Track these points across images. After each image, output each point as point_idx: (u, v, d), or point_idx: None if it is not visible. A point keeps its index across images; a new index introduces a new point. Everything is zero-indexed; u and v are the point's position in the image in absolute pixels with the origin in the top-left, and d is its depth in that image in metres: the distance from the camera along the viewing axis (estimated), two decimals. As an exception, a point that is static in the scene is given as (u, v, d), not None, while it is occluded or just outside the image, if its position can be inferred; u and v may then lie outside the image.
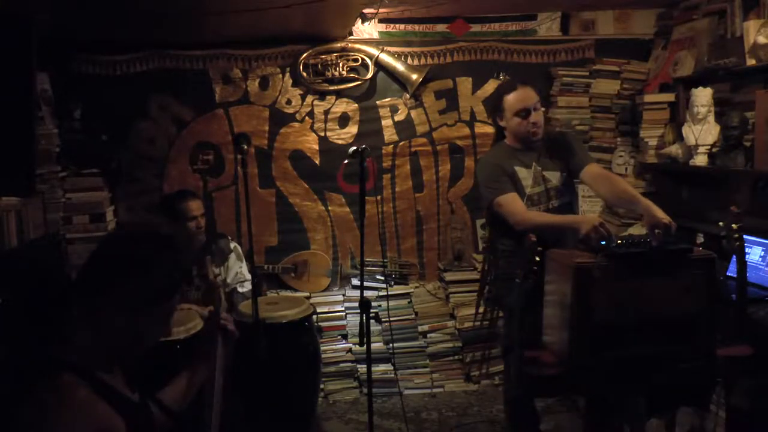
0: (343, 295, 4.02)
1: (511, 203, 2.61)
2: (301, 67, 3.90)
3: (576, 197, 2.85)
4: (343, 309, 3.97)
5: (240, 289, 3.47)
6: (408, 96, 4.01)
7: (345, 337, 3.94)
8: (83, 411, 1.19)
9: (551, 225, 2.53)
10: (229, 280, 3.48)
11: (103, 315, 1.28)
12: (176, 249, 1.38)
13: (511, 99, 2.64)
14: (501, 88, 2.88)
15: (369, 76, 3.94)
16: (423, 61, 3.99)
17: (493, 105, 2.82)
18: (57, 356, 1.25)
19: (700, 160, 3.36)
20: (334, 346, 3.89)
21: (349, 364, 3.87)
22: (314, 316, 3.45)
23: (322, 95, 3.98)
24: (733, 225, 2.19)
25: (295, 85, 3.96)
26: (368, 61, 3.92)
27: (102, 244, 1.39)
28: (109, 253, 1.35)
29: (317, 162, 4.04)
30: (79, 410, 1.19)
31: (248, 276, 3.53)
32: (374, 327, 3.69)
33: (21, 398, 1.18)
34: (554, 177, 2.70)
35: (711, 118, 3.31)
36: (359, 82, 3.95)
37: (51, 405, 1.17)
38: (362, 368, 3.82)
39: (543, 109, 2.74)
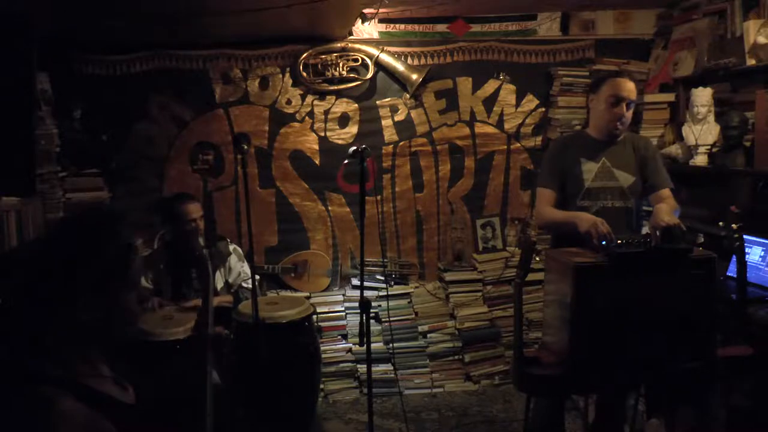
0: (343, 295, 4.01)
1: (541, 197, 2.71)
2: (301, 67, 3.89)
3: (640, 206, 2.75)
4: (343, 309, 3.96)
5: (245, 285, 3.46)
6: (408, 96, 4.00)
7: (345, 337, 3.94)
8: (66, 422, 1.15)
9: (557, 221, 2.59)
10: (230, 281, 3.48)
11: (77, 303, 1.26)
12: (115, 215, 1.37)
13: (612, 83, 2.59)
14: (609, 72, 2.92)
15: (369, 76, 3.93)
16: (423, 61, 3.99)
17: (594, 83, 2.75)
18: (35, 368, 1.20)
19: (700, 160, 3.36)
20: (334, 346, 3.89)
21: (349, 364, 3.87)
22: (314, 316, 3.45)
23: (322, 95, 3.98)
24: (733, 225, 2.19)
25: (295, 85, 3.96)
26: (368, 61, 3.92)
27: (45, 242, 1.35)
28: (57, 248, 1.32)
29: (317, 162, 4.04)
30: (62, 422, 1.14)
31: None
32: (374, 327, 3.69)
33: None
34: (623, 178, 2.63)
35: (711, 118, 3.31)
36: (359, 82, 3.95)
37: (31, 420, 1.13)
38: (362, 368, 3.82)
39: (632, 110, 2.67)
